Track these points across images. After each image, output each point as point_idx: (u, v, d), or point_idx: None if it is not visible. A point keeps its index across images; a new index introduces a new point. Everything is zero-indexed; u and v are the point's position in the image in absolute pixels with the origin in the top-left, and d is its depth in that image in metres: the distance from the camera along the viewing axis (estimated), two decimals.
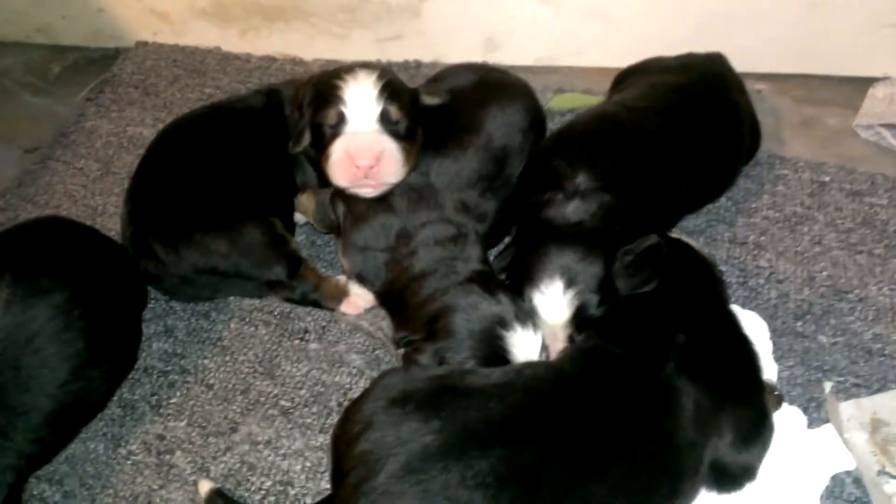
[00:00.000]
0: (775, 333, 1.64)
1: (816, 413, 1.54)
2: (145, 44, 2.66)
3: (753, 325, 1.59)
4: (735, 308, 1.51)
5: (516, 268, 1.58)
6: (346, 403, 1.61)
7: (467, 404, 1.20)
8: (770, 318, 1.67)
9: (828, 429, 1.49)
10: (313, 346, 1.75)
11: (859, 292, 1.73)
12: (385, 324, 1.75)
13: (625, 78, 1.98)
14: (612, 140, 1.66)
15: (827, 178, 1.96)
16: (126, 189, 1.83)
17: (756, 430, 1.32)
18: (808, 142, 2.09)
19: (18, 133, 2.46)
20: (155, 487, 1.56)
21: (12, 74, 2.67)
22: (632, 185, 1.59)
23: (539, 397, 1.24)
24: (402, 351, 1.57)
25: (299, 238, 1.95)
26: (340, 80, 1.65)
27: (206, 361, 1.75)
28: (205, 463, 1.58)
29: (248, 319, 1.82)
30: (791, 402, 1.54)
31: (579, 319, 1.48)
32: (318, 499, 1.48)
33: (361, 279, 1.70)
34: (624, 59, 2.11)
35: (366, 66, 1.71)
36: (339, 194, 1.72)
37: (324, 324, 1.79)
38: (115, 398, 1.69)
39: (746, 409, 1.32)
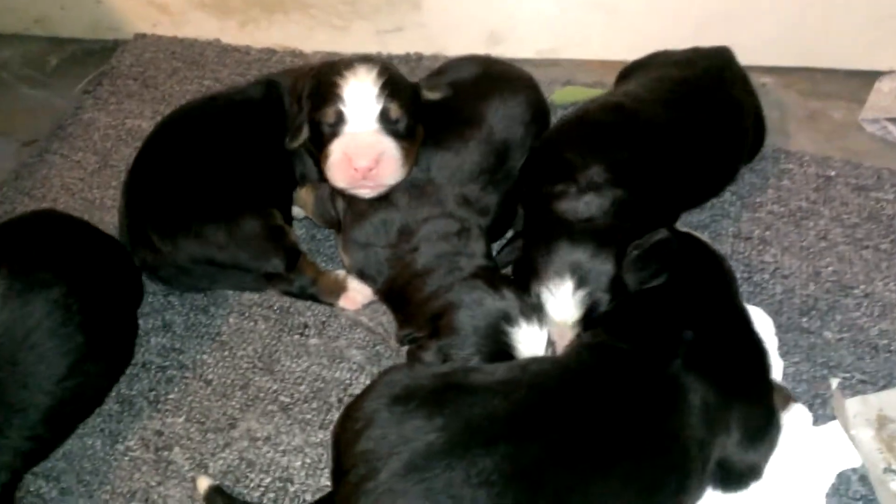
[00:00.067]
0: (780, 329, 1.62)
1: (822, 410, 1.52)
2: (144, 36, 2.64)
3: (759, 321, 1.56)
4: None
5: (525, 263, 1.55)
6: (346, 399, 1.61)
7: (471, 401, 1.18)
8: (775, 313, 1.65)
9: (834, 426, 1.47)
10: (313, 341, 1.74)
11: (865, 288, 1.72)
12: (385, 319, 1.74)
13: (631, 72, 1.96)
14: (624, 132, 1.64)
15: (833, 173, 1.94)
16: (124, 180, 1.81)
17: (764, 430, 1.30)
18: (814, 136, 2.07)
19: (16, 126, 2.44)
20: (153, 484, 1.54)
21: (10, 66, 2.65)
22: (643, 179, 1.57)
23: (544, 394, 1.22)
24: (403, 347, 1.55)
25: (299, 232, 1.93)
26: (339, 76, 1.62)
27: (204, 357, 1.74)
28: (203, 459, 1.57)
29: (247, 314, 1.80)
30: (796, 399, 1.52)
31: (589, 318, 1.46)
32: (318, 496, 1.46)
33: (363, 276, 1.68)
34: (627, 51, 2.09)
35: (366, 59, 1.68)
36: (340, 191, 1.70)
37: (324, 319, 1.77)
38: (113, 394, 1.67)
39: (755, 408, 1.30)
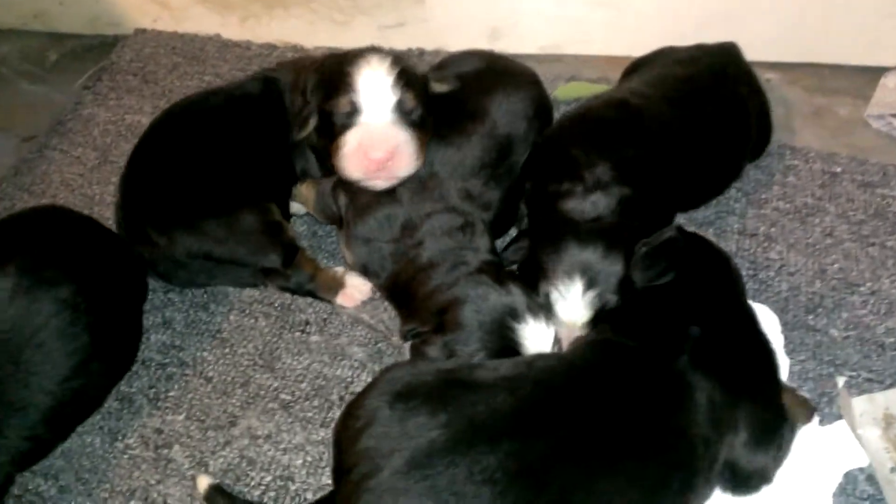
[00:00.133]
0: (786, 327, 1.61)
1: (828, 408, 1.51)
2: (144, 31, 2.62)
3: (765, 319, 1.55)
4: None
5: (532, 263, 1.53)
6: (347, 397, 1.60)
7: (475, 398, 1.17)
8: (781, 311, 1.64)
9: (840, 425, 1.46)
10: (314, 338, 1.72)
11: (871, 285, 1.70)
12: (386, 316, 1.73)
13: (635, 68, 1.95)
14: (629, 130, 1.62)
15: (838, 169, 1.93)
16: (121, 175, 1.80)
17: (773, 432, 1.28)
18: (819, 132, 2.06)
19: (15, 121, 2.42)
20: (152, 482, 1.53)
21: (8, 62, 2.63)
22: (648, 177, 1.55)
23: (550, 390, 1.21)
24: (404, 344, 1.54)
25: (300, 228, 1.92)
26: (352, 66, 1.60)
27: (205, 354, 1.73)
28: (203, 457, 1.55)
29: (247, 311, 1.79)
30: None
31: (596, 318, 1.44)
32: (319, 495, 1.45)
33: (366, 271, 1.67)
34: (631, 47, 2.08)
35: (376, 50, 1.67)
36: (342, 185, 1.68)
37: (325, 316, 1.76)
38: (113, 391, 1.66)
39: (763, 408, 1.28)
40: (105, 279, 1.59)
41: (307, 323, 1.75)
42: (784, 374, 1.50)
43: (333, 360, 1.68)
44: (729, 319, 1.35)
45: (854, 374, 1.56)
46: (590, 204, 1.50)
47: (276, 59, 2.44)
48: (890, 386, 1.53)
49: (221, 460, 1.55)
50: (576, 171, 1.54)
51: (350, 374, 1.66)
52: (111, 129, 2.29)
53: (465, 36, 2.32)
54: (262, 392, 1.64)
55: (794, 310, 1.67)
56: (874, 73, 2.13)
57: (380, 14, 2.41)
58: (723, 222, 1.83)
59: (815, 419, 1.46)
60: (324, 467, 1.51)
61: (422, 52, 2.38)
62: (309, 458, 1.53)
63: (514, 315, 1.42)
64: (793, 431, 1.33)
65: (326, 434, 1.55)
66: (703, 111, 1.71)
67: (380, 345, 1.70)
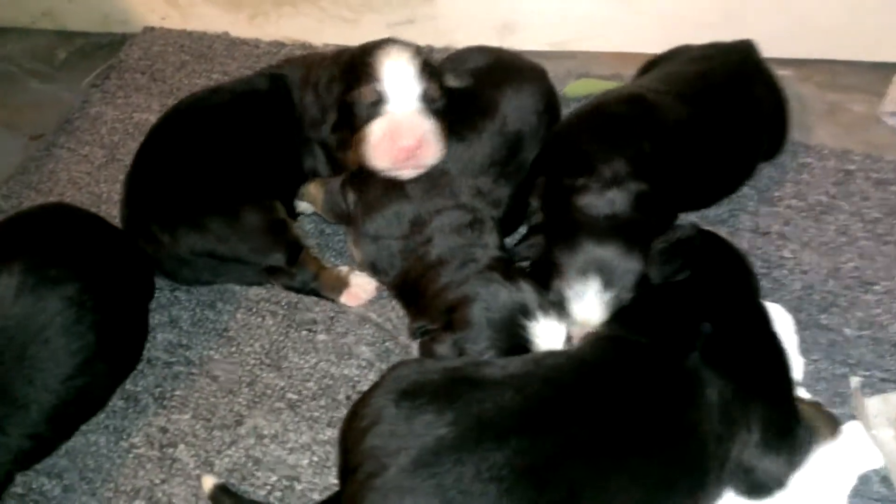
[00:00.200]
0: (800, 326, 1.58)
1: (842, 408, 1.48)
2: (152, 29, 2.62)
3: (778, 318, 1.53)
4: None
5: (546, 261, 1.50)
6: (354, 396, 1.59)
7: (482, 396, 1.16)
8: (794, 310, 1.61)
9: (855, 425, 1.44)
10: (321, 337, 1.71)
11: (886, 284, 1.67)
12: (394, 315, 1.71)
13: (650, 67, 1.93)
14: (644, 125, 1.59)
15: (853, 167, 1.90)
16: (126, 172, 1.79)
17: (785, 434, 1.26)
18: (833, 129, 2.03)
19: (23, 119, 2.42)
20: (157, 482, 1.52)
21: (17, 60, 2.64)
22: (664, 174, 1.53)
23: (559, 387, 1.20)
24: (413, 342, 1.53)
25: (307, 227, 1.92)
26: (375, 55, 1.59)
27: (211, 352, 1.72)
28: (209, 457, 1.54)
29: (254, 310, 1.78)
30: (816, 397, 1.48)
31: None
32: (326, 495, 1.44)
33: (374, 269, 1.65)
34: (643, 43, 2.06)
35: (394, 41, 1.65)
36: (351, 182, 1.67)
37: (332, 315, 1.75)
38: (118, 389, 1.65)
39: (775, 408, 1.26)
40: (111, 277, 1.59)
41: (314, 322, 1.74)
42: (798, 374, 1.48)
43: (340, 359, 1.67)
44: (741, 318, 1.33)
45: (868, 373, 1.53)
46: (606, 199, 1.47)
47: (284, 56, 2.43)
48: None
49: (227, 460, 1.54)
50: (591, 165, 1.51)
51: (357, 373, 1.64)
52: (119, 127, 2.29)
53: (474, 33, 2.30)
54: (269, 391, 1.63)
55: (808, 309, 1.64)
56: (888, 70, 2.10)
57: (389, 11, 2.40)
58: (736, 220, 1.81)
59: None
60: (330, 467, 1.50)
61: (431, 50, 2.35)
62: (315, 458, 1.52)
63: (525, 312, 1.40)
64: (810, 438, 1.30)
65: (333, 434, 1.54)
66: (717, 110, 1.69)
67: (387, 344, 1.69)
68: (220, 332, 1.75)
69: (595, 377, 1.23)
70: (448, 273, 1.49)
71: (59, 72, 2.59)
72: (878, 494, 1.38)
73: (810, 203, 1.83)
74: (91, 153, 2.22)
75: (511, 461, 1.09)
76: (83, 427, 1.59)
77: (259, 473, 1.51)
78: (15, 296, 1.43)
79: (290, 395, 1.62)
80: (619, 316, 1.39)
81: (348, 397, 1.60)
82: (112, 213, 1.96)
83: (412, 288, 1.55)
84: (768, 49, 1.90)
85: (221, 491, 1.44)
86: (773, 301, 1.61)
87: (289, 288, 1.77)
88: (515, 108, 1.69)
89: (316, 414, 1.59)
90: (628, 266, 1.42)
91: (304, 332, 1.72)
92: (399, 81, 1.57)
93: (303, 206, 1.86)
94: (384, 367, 1.64)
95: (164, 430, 1.59)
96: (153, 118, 2.08)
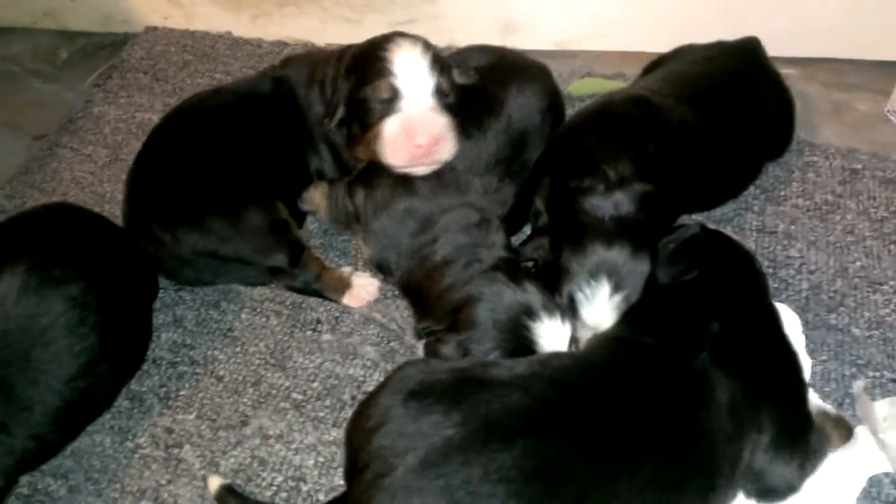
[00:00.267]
0: (807, 326, 1.58)
1: (852, 409, 1.48)
2: (155, 29, 2.61)
3: (786, 319, 1.51)
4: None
5: (554, 263, 1.48)
6: (359, 397, 1.58)
7: (489, 396, 1.15)
8: (801, 310, 1.61)
9: (865, 429, 1.42)
10: (326, 337, 1.70)
11: (894, 283, 1.67)
12: (398, 315, 1.71)
13: (655, 66, 1.92)
14: (650, 127, 1.58)
15: (859, 166, 1.89)
16: (128, 171, 1.78)
17: (798, 437, 1.25)
18: (839, 128, 2.03)
19: (25, 119, 2.41)
20: (163, 482, 1.51)
21: (19, 60, 2.62)
22: (669, 175, 1.52)
23: (565, 389, 1.19)
24: (415, 343, 1.52)
25: (312, 226, 1.91)
26: (386, 50, 1.57)
27: (216, 352, 1.71)
28: (214, 457, 1.54)
29: (259, 309, 1.77)
30: (825, 399, 1.48)
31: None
32: (332, 495, 1.43)
33: (382, 268, 1.64)
34: (647, 42, 2.05)
35: (403, 34, 1.63)
36: (359, 181, 1.66)
37: (337, 314, 1.74)
38: (123, 390, 1.64)
39: (786, 411, 1.25)
40: (115, 277, 1.58)
41: (319, 322, 1.73)
42: (806, 374, 1.47)
43: (345, 359, 1.66)
44: (750, 318, 1.32)
45: (878, 374, 1.53)
46: (612, 201, 1.46)
47: (286, 56, 2.42)
48: None
49: (232, 460, 1.53)
50: (596, 167, 1.50)
51: (362, 373, 1.64)
52: (122, 126, 2.28)
53: (477, 32, 2.29)
54: (274, 391, 1.62)
55: (816, 309, 1.64)
56: (893, 68, 2.11)
57: (391, 11, 2.40)
58: (741, 219, 1.80)
59: None
60: (336, 468, 1.49)
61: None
62: (321, 459, 1.51)
63: (530, 313, 1.39)
64: (822, 443, 1.29)
65: (338, 434, 1.53)
66: (721, 112, 1.68)
67: (392, 344, 1.68)
68: (225, 331, 1.74)
69: (602, 378, 1.22)
70: (453, 273, 1.49)
71: (61, 72, 2.57)
72: (889, 497, 1.37)
73: (817, 202, 1.83)
74: (94, 153, 2.21)
75: (519, 463, 1.08)
76: (88, 427, 1.58)
77: (264, 474, 1.50)
78: (18, 296, 1.42)
79: (295, 396, 1.62)
80: (627, 317, 1.38)
81: (353, 397, 1.59)
82: (115, 212, 1.94)
83: (417, 288, 1.55)
84: (772, 48, 1.90)
85: (228, 492, 1.43)
86: (781, 301, 1.60)
87: (291, 288, 1.76)
88: (520, 107, 1.68)
89: (321, 414, 1.58)
90: (637, 268, 1.41)
91: (309, 332, 1.72)
92: (413, 77, 1.55)
93: (305, 206, 1.84)
94: (389, 367, 1.63)
95: (169, 431, 1.59)
96: (156, 118, 2.08)
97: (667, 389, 1.20)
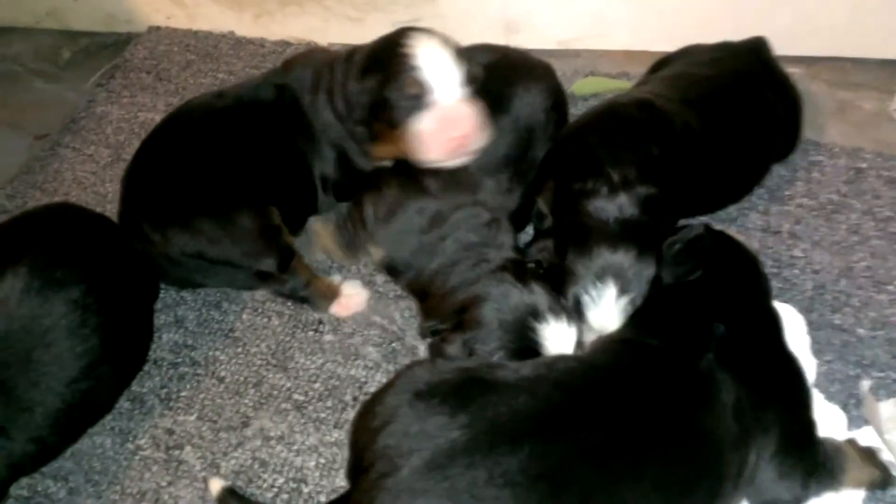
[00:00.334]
0: (812, 327, 1.56)
1: (856, 410, 1.47)
2: (158, 28, 2.61)
3: (790, 319, 1.51)
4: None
5: (559, 265, 1.47)
6: (361, 397, 1.58)
7: (496, 399, 1.14)
8: (806, 310, 1.59)
9: (870, 430, 1.42)
10: (328, 337, 1.70)
11: None
12: (398, 315, 1.71)
13: (661, 66, 1.91)
14: (653, 129, 1.57)
15: (864, 165, 1.87)
16: (125, 171, 1.77)
17: (802, 446, 1.24)
18: (843, 127, 2.01)
19: (28, 119, 2.41)
20: (163, 484, 1.51)
21: (22, 60, 2.63)
22: (673, 177, 1.51)
23: (571, 392, 1.18)
24: (416, 344, 1.51)
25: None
26: (407, 46, 1.54)
27: (217, 353, 1.70)
28: (215, 459, 1.53)
29: (260, 310, 1.77)
30: (830, 399, 1.47)
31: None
32: (333, 497, 1.43)
33: (392, 270, 1.63)
34: (651, 41, 2.04)
35: (416, 29, 1.60)
36: (367, 190, 1.65)
37: None
38: (124, 391, 1.64)
39: (792, 417, 1.24)
40: (117, 278, 1.57)
41: (320, 322, 1.72)
42: (811, 375, 1.46)
43: (347, 359, 1.66)
44: (750, 321, 1.31)
45: (882, 374, 1.51)
46: (617, 203, 1.44)
47: (289, 56, 2.40)
48: None
49: (234, 462, 1.52)
50: (601, 169, 1.49)
51: (364, 374, 1.63)
52: (124, 126, 2.28)
53: (480, 31, 2.27)
54: (275, 392, 1.62)
55: (820, 309, 1.62)
56: None
57: (394, 10, 2.39)
58: (745, 219, 1.79)
59: (844, 422, 1.43)
60: (337, 469, 1.49)
61: None
62: (322, 460, 1.51)
63: (536, 315, 1.38)
64: (835, 464, 1.27)
65: (340, 435, 1.53)
66: (726, 114, 1.67)
67: (394, 344, 1.67)
68: (226, 332, 1.74)
69: (608, 381, 1.21)
70: (460, 272, 1.48)
71: (63, 71, 2.58)
72: (894, 499, 1.36)
73: (821, 202, 1.81)
74: (96, 153, 2.21)
75: (524, 466, 1.07)
76: (89, 429, 1.58)
77: (266, 476, 1.50)
78: (21, 297, 1.42)
79: (296, 397, 1.61)
80: (632, 319, 1.37)
81: (355, 398, 1.59)
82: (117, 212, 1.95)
83: (425, 287, 1.54)
84: (776, 47, 1.88)
85: (229, 494, 1.42)
86: (785, 301, 1.59)
87: (279, 294, 1.74)
88: (526, 105, 1.68)
89: (323, 415, 1.58)
90: (642, 271, 1.40)
91: (311, 333, 1.71)
92: (440, 69, 1.52)
93: (318, 256, 1.81)
94: (391, 367, 1.63)
95: (170, 432, 1.58)
96: (158, 118, 2.08)
97: (672, 392, 1.19)
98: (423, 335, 1.48)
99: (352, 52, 1.69)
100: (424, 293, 1.54)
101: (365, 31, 2.38)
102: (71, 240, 1.56)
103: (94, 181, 2.13)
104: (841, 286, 1.66)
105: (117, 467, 1.54)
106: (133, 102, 2.35)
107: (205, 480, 1.48)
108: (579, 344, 1.42)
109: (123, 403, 1.63)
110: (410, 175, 1.61)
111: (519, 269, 1.46)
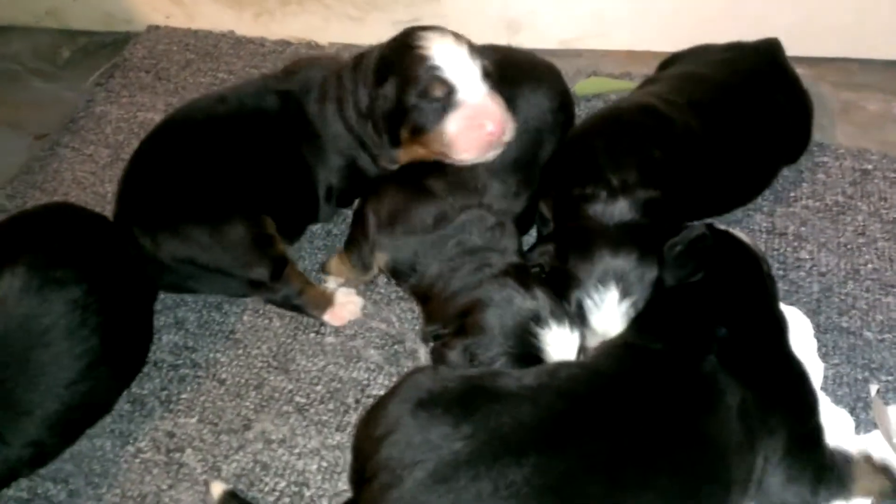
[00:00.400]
0: (819, 329, 1.55)
1: (864, 414, 1.46)
2: (157, 28, 2.59)
3: (797, 322, 1.50)
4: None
5: (561, 270, 1.46)
6: (363, 400, 1.56)
7: (499, 408, 1.13)
8: (813, 313, 1.59)
9: (879, 434, 1.40)
10: (329, 339, 1.68)
11: None
12: (395, 318, 1.70)
13: (669, 64, 1.90)
14: (655, 133, 1.56)
15: (870, 166, 1.87)
16: (122, 172, 1.75)
17: (808, 449, 1.23)
18: (849, 128, 2.00)
19: (27, 119, 2.39)
20: (164, 487, 1.49)
21: (21, 59, 2.61)
22: (676, 181, 1.50)
23: (575, 400, 1.17)
24: (416, 348, 1.50)
25: (314, 227, 1.88)
26: (421, 48, 1.51)
27: (218, 355, 1.69)
28: (216, 462, 1.52)
29: (261, 312, 1.75)
30: (838, 403, 1.46)
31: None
32: (335, 501, 1.42)
33: (397, 273, 1.61)
34: (653, 41, 2.03)
35: (425, 28, 1.58)
36: (367, 203, 1.64)
37: None
38: (124, 393, 1.62)
39: (797, 420, 1.23)
40: (116, 278, 1.56)
41: (322, 324, 1.71)
42: (819, 379, 1.45)
43: (349, 362, 1.64)
44: (754, 325, 1.30)
45: (890, 378, 1.51)
46: (618, 207, 1.44)
47: (290, 55, 2.41)
48: None
49: (235, 465, 1.51)
50: (601, 173, 1.48)
51: (366, 376, 1.62)
52: (124, 126, 2.26)
53: (482, 31, 2.25)
54: (277, 395, 1.61)
55: (827, 311, 1.61)
56: None
57: (394, 10, 2.38)
58: (750, 221, 1.78)
59: (852, 425, 1.42)
60: (339, 472, 1.48)
61: None
62: (324, 464, 1.50)
63: (538, 320, 1.36)
64: (844, 471, 1.26)
65: (342, 438, 1.52)
66: (733, 118, 1.66)
67: (396, 347, 1.66)
68: (227, 334, 1.72)
69: (612, 388, 1.20)
70: (462, 276, 1.47)
71: (62, 71, 2.56)
72: None
73: (827, 203, 1.81)
74: (96, 152, 2.19)
75: (530, 478, 1.06)
76: (88, 431, 1.56)
77: (267, 479, 1.49)
78: (19, 297, 1.41)
79: (298, 399, 1.60)
80: (635, 323, 1.36)
81: (357, 401, 1.57)
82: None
83: (427, 291, 1.52)
84: None
85: (231, 497, 1.41)
86: (792, 304, 1.58)
87: (271, 302, 1.73)
88: (534, 107, 1.66)
89: (324, 418, 1.56)
90: (644, 274, 1.40)
91: (312, 335, 1.70)
92: (461, 67, 1.50)
93: (331, 284, 1.78)
94: (393, 370, 1.62)
95: (170, 435, 1.57)
96: (158, 117, 2.07)
97: (676, 397, 1.18)
98: (425, 339, 1.47)
99: (359, 59, 1.67)
100: (426, 297, 1.53)
101: (365, 31, 2.39)
102: (70, 239, 1.55)
103: (94, 181, 2.11)
104: (848, 288, 1.65)
105: (117, 470, 1.53)
106: (132, 102, 2.33)
107: (206, 484, 1.47)
108: (582, 348, 1.41)
109: (124, 406, 1.61)
110: (413, 178, 1.59)
111: (522, 274, 1.45)
